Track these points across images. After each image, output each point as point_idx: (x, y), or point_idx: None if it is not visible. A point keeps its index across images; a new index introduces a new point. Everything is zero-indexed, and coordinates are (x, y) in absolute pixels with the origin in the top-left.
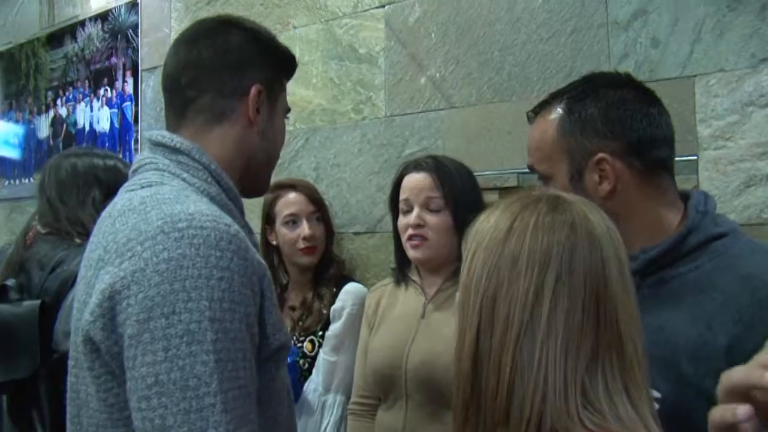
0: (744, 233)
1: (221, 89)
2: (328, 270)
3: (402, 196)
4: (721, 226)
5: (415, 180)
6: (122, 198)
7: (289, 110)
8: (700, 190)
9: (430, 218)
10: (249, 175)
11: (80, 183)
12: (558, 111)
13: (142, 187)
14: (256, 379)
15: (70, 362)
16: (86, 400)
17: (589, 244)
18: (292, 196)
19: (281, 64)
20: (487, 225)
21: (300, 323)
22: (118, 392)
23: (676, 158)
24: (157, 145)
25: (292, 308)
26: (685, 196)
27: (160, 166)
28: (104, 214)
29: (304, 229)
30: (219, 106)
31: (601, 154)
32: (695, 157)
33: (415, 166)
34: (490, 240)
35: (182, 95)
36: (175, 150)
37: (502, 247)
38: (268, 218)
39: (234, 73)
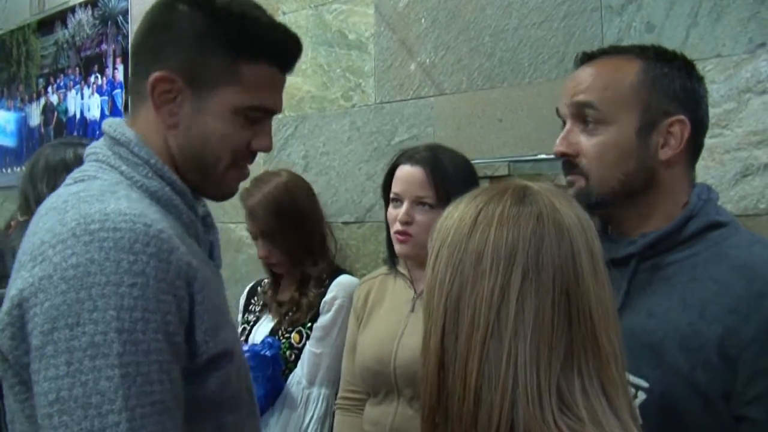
0: (742, 227)
1: (137, 70)
2: (312, 270)
3: (394, 187)
4: (722, 216)
5: (408, 173)
6: (57, 194)
7: (251, 109)
8: (703, 183)
9: (419, 216)
10: (186, 174)
11: (52, 170)
12: (638, 61)
13: (75, 182)
14: (181, 392)
15: None
16: (12, 410)
17: (558, 237)
18: (251, 194)
19: (233, 47)
20: (450, 221)
21: (287, 317)
22: (33, 404)
23: None
24: (104, 134)
25: (280, 304)
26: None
27: (100, 157)
28: (38, 210)
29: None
30: (136, 88)
31: (680, 116)
32: None
33: (409, 157)
34: (454, 236)
35: (132, 73)
36: (115, 141)
37: (465, 243)
38: None
39: (148, 55)
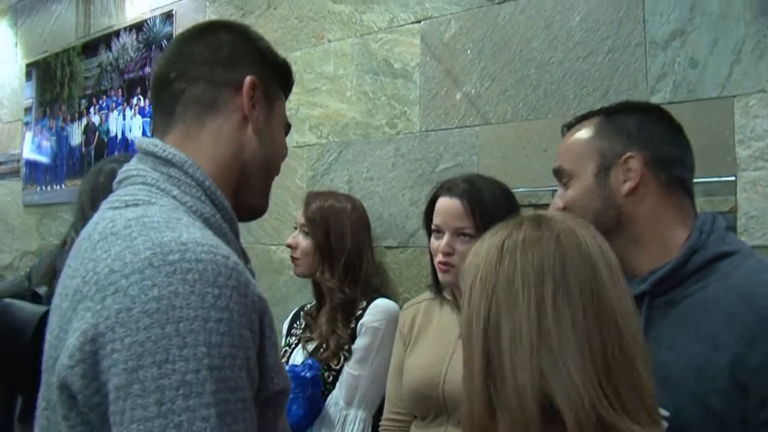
0: (754, 253)
1: (212, 79)
2: (357, 305)
3: (434, 219)
4: (730, 245)
5: (447, 205)
6: (104, 217)
7: (289, 126)
8: (709, 213)
9: (460, 246)
10: (245, 188)
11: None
12: (595, 120)
13: (127, 206)
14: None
15: (41, 402)
16: None
17: (578, 253)
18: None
19: (277, 69)
20: (478, 257)
21: (319, 353)
22: None
23: (715, 179)
24: (147, 154)
25: (309, 339)
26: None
27: (148, 180)
28: (83, 234)
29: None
30: (210, 95)
31: (630, 153)
32: (733, 178)
33: (447, 189)
34: (484, 268)
35: (170, 90)
36: (166, 162)
37: (496, 272)
38: None
39: (226, 67)
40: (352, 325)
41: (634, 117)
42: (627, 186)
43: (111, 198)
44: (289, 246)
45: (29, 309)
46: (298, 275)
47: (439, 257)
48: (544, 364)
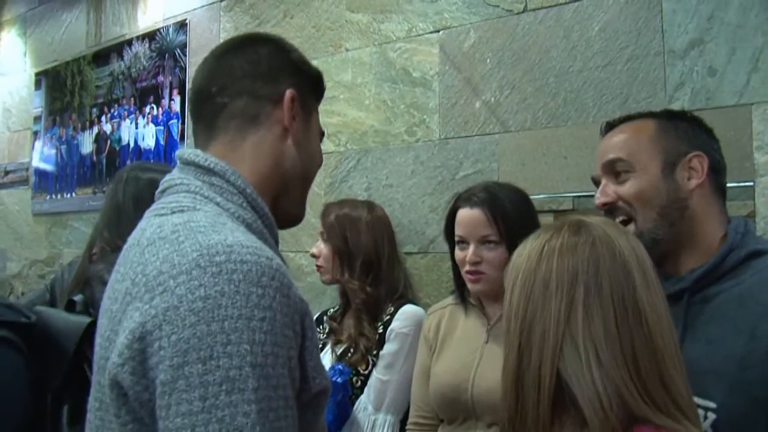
0: None
1: (254, 93)
2: (384, 308)
3: (457, 231)
4: (762, 245)
5: (469, 216)
6: (151, 224)
7: (323, 134)
8: (741, 217)
9: (487, 254)
10: (284, 196)
11: (140, 197)
12: (652, 120)
13: (173, 212)
14: (297, 430)
15: (93, 403)
16: None
17: (611, 258)
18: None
19: (311, 79)
20: (520, 259)
21: (347, 356)
22: None
23: (733, 184)
24: (188, 164)
25: (338, 341)
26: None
27: (191, 189)
28: (131, 240)
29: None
30: (253, 109)
31: (696, 152)
32: (752, 184)
33: (466, 200)
34: (524, 270)
35: (212, 104)
36: (208, 171)
37: (534, 275)
38: None
39: (266, 81)
40: (380, 331)
41: (687, 123)
42: (693, 182)
43: (155, 206)
44: (313, 255)
45: (69, 319)
46: (325, 282)
47: (467, 267)
48: (567, 361)
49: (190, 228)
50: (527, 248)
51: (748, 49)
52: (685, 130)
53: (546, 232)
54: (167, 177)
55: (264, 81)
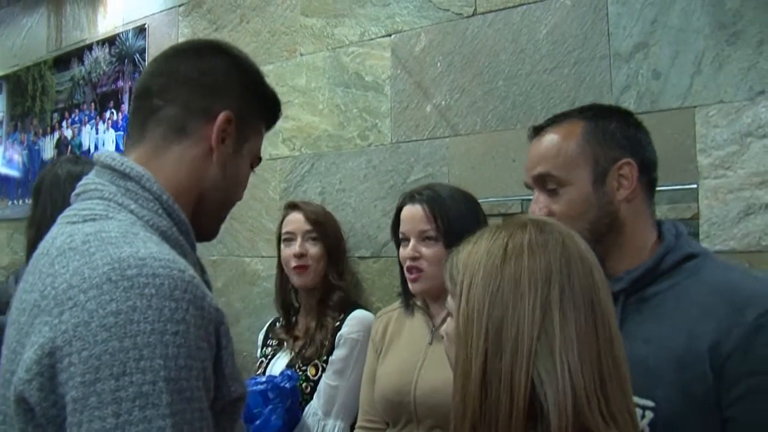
0: (713, 256)
1: (188, 103)
2: (330, 296)
3: (401, 228)
4: (694, 248)
5: (411, 212)
6: (62, 232)
7: (259, 160)
8: (671, 220)
9: (425, 250)
10: (199, 215)
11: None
12: (581, 123)
13: (85, 221)
14: None
15: None
16: None
17: (580, 259)
18: (292, 215)
19: (263, 104)
20: (477, 255)
21: (302, 352)
22: None
23: (678, 187)
24: (105, 167)
25: (296, 338)
26: (657, 224)
27: (105, 195)
28: (41, 249)
29: (295, 246)
30: (181, 120)
31: (625, 159)
32: (695, 186)
33: (410, 197)
34: (486, 267)
35: (148, 103)
36: (123, 175)
37: (501, 272)
38: (278, 237)
39: (206, 93)
40: (330, 336)
41: (614, 121)
42: (623, 193)
43: (68, 212)
44: (300, 255)
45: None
46: (305, 285)
47: (407, 263)
48: (541, 366)
49: (101, 239)
50: (483, 246)
51: (690, 52)
52: (612, 132)
53: (505, 229)
54: (83, 180)
55: (203, 93)
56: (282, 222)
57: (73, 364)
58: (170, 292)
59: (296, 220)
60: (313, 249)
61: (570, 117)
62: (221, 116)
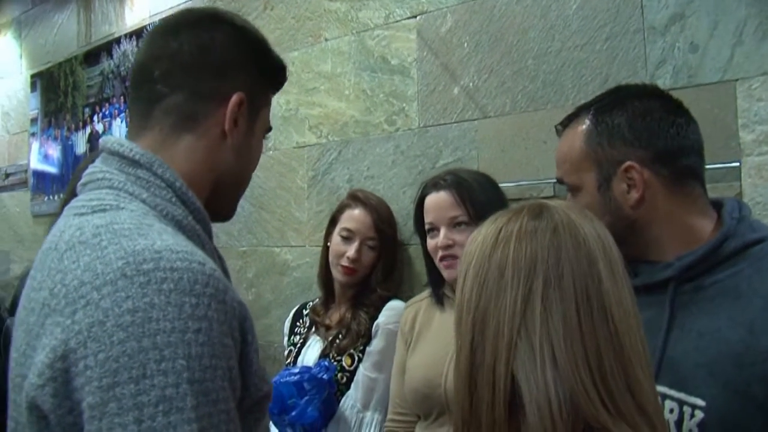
0: None
1: (197, 89)
2: (368, 296)
3: (426, 218)
4: (759, 232)
5: (437, 200)
6: (70, 224)
7: (270, 129)
8: (733, 198)
9: (458, 236)
10: (216, 197)
11: None
12: (585, 122)
13: (94, 212)
14: None
15: (10, 423)
16: None
17: (574, 245)
18: (357, 212)
19: (269, 73)
20: (474, 244)
21: (336, 342)
22: None
23: (718, 165)
24: (113, 154)
25: (327, 327)
26: (718, 204)
27: (114, 184)
28: (48, 243)
29: (351, 249)
30: (191, 108)
31: (628, 162)
32: (738, 164)
33: (434, 185)
34: (477, 256)
35: (151, 90)
36: (133, 162)
37: (488, 260)
38: (332, 220)
39: (214, 75)
40: (366, 325)
41: (624, 113)
42: (632, 196)
43: (75, 203)
44: (351, 259)
45: None
46: (348, 283)
47: (440, 253)
48: (519, 359)
49: (113, 231)
50: (482, 232)
51: (731, 22)
52: (618, 129)
53: (503, 215)
54: (89, 169)
55: (210, 75)
56: (342, 210)
57: (89, 368)
58: (190, 287)
59: (361, 221)
60: (369, 255)
61: (579, 115)
62: (233, 99)
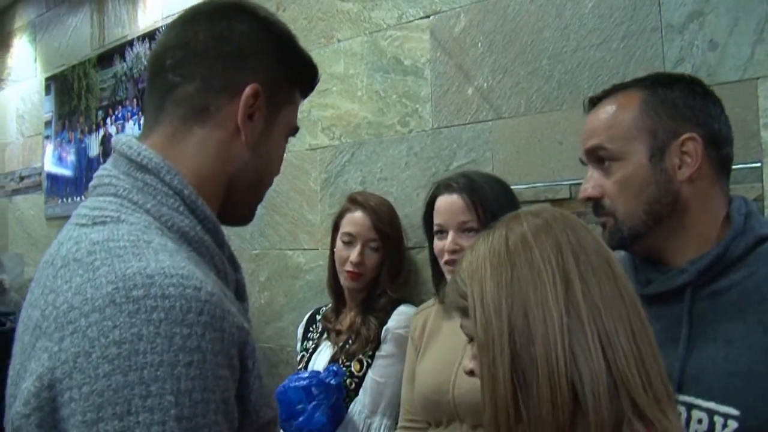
0: None
1: (209, 80)
2: (378, 300)
3: (436, 219)
4: (766, 226)
5: (448, 202)
6: (69, 237)
7: (296, 130)
8: (740, 196)
9: (466, 242)
10: (231, 199)
11: None
12: (638, 92)
13: (95, 224)
14: None
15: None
16: None
17: (582, 228)
18: (356, 215)
19: (295, 69)
20: (479, 260)
21: (346, 347)
22: None
23: (739, 166)
24: (122, 156)
25: (338, 332)
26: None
27: (119, 191)
28: (47, 256)
29: (354, 253)
30: (202, 99)
31: (689, 133)
32: (759, 164)
33: (446, 186)
34: (493, 264)
35: (163, 80)
36: (141, 167)
37: (509, 264)
38: (335, 226)
39: (228, 65)
40: (375, 331)
41: (678, 91)
42: (684, 172)
43: (81, 209)
44: (354, 263)
45: None
46: (356, 289)
47: (446, 257)
48: (574, 338)
49: (108, 249)
50: (482, 249)
51: (751, 19)
52: (675, 102)
53: (496, 229)
54: (99, 171)
55: (225, 65)
56: (342, 215)
57: (74, 400)
58: (182, 316)
59: (360, 223)
60: (372, 257)
61: (628, 87)
62: (247, 90)
